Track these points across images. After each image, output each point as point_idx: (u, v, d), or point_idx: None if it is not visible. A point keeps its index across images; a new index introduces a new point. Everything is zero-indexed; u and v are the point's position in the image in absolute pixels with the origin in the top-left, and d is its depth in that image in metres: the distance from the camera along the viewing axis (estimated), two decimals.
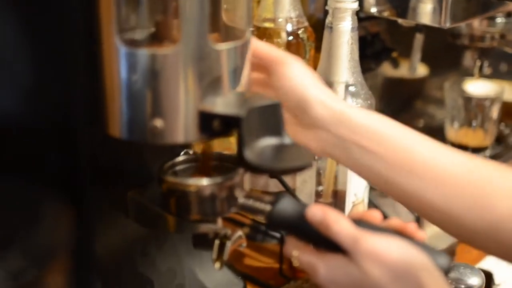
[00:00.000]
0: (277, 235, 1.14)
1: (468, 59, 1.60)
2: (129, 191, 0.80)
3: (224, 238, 0.81)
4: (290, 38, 1.12)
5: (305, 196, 1.11)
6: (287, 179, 1.10)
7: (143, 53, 0.69)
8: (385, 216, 0.79)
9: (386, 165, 0.83)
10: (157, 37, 0.73)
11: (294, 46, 1.13)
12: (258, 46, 0.86)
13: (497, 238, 0.80)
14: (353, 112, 0.85)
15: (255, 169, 0.72)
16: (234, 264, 1.13)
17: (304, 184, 1.11)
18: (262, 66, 0.86)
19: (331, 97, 0.86)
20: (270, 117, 0.75)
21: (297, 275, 1.12)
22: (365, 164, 0.84)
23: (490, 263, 1.18)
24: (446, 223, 0.83)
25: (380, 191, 0.86)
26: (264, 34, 1.11)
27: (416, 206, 0.84)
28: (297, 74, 0.84)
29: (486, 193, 0.81)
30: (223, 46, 0.72)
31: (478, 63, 1.55)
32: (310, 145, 0.86)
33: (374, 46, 1.39)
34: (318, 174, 1.12)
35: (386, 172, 0.83)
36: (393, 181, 0.83)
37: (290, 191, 1.11)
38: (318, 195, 1.12)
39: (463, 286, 0.97)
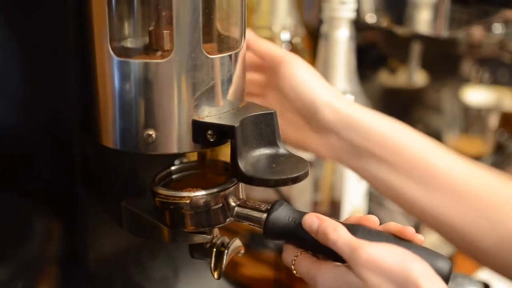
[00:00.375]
0: (274, 243, 1.14)
1: (467, 67, 1.59)
2: (123, 201, 0.79)
3: (221, 247, 0.80)
4: (286, 46, 1.12)
5: (302, 206, 1.10)
6: (284, 188, 1.09)
7: (136, 62, 0.69)
8: None
9: (401, 176, 0.82)
10: (151, 47, 0.72)
11: None
12: (259, 44, 0.84)
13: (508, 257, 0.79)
14: (363, 116, 0.83)
15: (249, 180, 0.71)
16: (230, 273, 1.13)
17: (300, 193, 1.11)
18: (264, 65, 0.84)
19: (338, 98, 0.84)
20: (265, 127, 0.74)
21: (294, 284, 1.12)
22: (376, 174, 0.84)
23: (488, 273, 1.18)
24: (459, 240, 0.83)
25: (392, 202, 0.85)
26: None
27: (430, 220, 0.84)
28: (302, 74, 0.83)
29: (502, 211, 0.80)
30: (217, 56, 0.71)
31: (477, 71, 1.54)
32: (320, 151, 0.85)
33: (372, 55, 1.39)
34: (315, 183, 1.11)
35: (399, 183, 0.83)
36: (407, 193, 0.83)
37: (286, 201, 1.10)
38: (316, 205, 1.11)
39: None
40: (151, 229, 0.77)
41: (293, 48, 1.13)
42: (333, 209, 1.10)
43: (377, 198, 1.22)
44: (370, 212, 1.15)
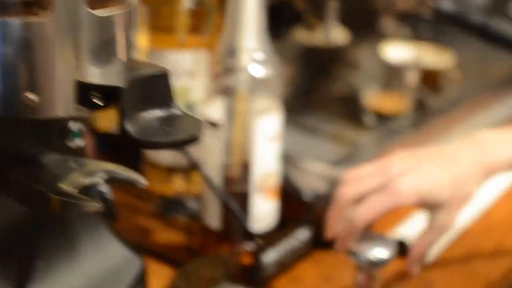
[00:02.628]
0: (186, 208, 1.11)
1: (386, 23, 1.57)
2: (10, 170, 0.75)
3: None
4: (193, 4, 1.08)
5: (212, 169, 1.07)
6: (193, 150, 1.06)
7: (14, 22, 0.64)
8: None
9: None
10: (31, 5, 0.68)
11: (197, 14, 1.08)
12: None
13: None
14: None
15: (138, 143, 0.68)
16: (141, 240, 1.10)
17: (210, 156, 1.07)
18: None
19: None
20: (158, 87, 0.71)
21: (207, 250, 1.09)
22: None
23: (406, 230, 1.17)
24: None
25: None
26: (162, 0, 1.06)
27: None
28: None
29: None
30: (103, 13, 0.67)
31: (396, 27, 1.53)
32: None
33: (287, 12, 1.36)
34: (227, 146, 1.08)
35: None
36: None
37: (196, 164, 1.07)
38: (227, 168, 1.08)
39: (370, 258, 0.94)
40: (41, 200, 0.73)
41: (201, 4, 1.09)
42: (244, 172, 1.06)
43: (293, 160, 1.19)
44: (285, 175, 1.13)
